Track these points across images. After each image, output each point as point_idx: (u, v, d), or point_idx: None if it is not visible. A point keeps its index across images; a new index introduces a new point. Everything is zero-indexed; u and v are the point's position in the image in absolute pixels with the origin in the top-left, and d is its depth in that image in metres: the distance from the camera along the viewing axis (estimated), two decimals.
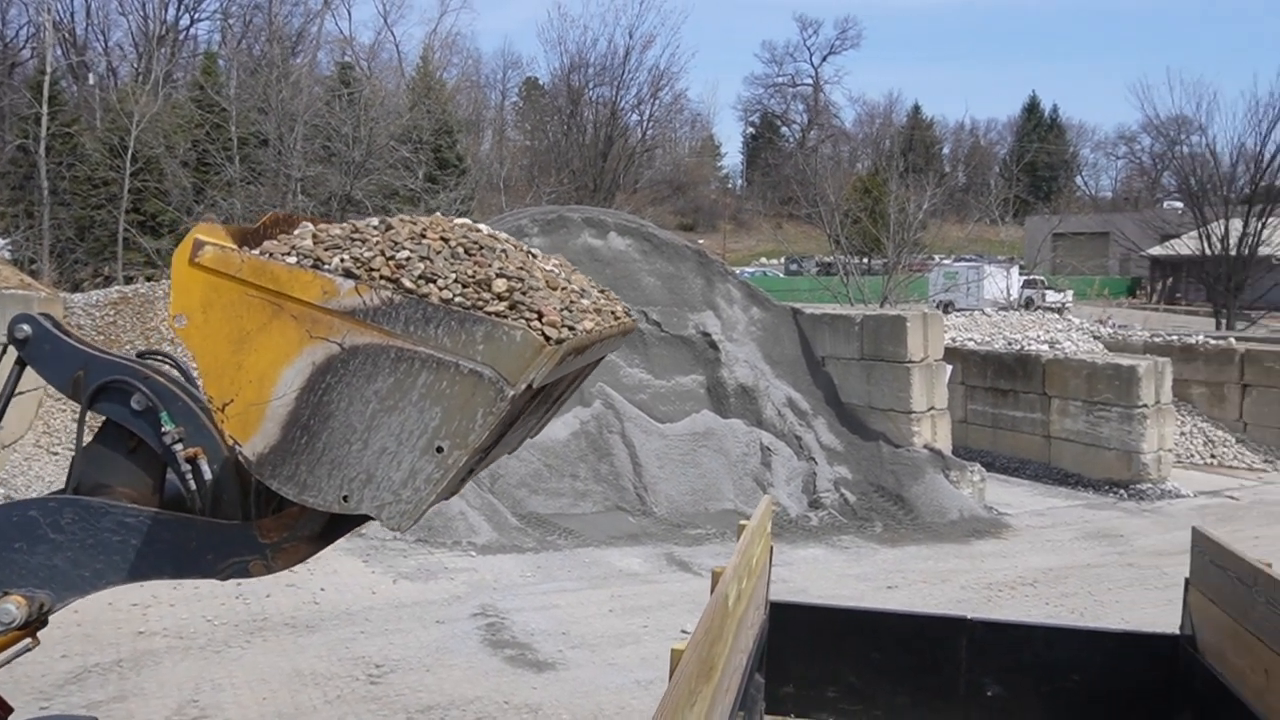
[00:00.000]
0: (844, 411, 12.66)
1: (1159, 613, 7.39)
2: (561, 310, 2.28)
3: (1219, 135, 70.80)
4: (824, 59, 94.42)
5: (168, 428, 2.49)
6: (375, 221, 2.43)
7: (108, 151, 30.76)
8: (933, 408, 12.39)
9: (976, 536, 10.59)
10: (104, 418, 2.58)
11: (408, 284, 2.21)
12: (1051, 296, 43.45)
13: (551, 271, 2.50)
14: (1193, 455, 14.93)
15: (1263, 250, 33.63)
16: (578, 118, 51.74)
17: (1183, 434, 15.05)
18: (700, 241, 30.36)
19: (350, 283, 2.18)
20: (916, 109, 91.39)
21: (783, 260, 66.36)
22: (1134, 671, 4.03)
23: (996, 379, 14.80)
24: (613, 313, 2.54)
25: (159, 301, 13.50)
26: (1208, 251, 34.05)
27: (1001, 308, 27.69)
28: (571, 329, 2.25)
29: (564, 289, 2.43)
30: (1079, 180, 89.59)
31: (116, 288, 16.04)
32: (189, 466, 2.49)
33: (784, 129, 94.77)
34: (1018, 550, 10.22)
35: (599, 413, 11.53)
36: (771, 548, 4.49)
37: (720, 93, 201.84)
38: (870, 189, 43.70)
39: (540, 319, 2.21)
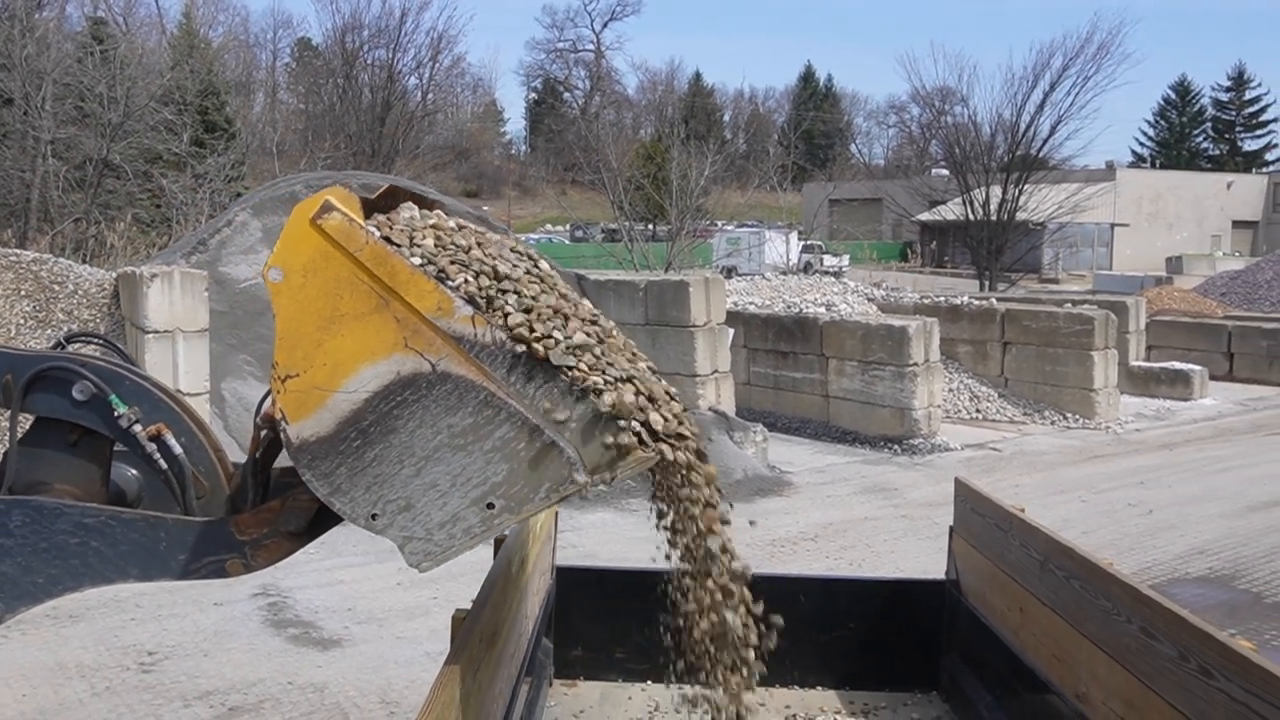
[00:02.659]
0: None
1: (930, 560, 7.76)
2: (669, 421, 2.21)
3: (979, 106, 74.47)
4: (605, 25, 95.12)
5: (121, 410, 2.27)
6: (498, 239, 2.30)
7: None
8: (716, 371, 12.65)
9: (760, 495, 10.89)
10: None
11: (528, 336, 2.09)
12: (829, 261, 45.13)
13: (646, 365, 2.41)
14: (960, 410, 15.75)
15: (1020, 215, 35.72)
16: (353, 81, 50.27)
17: (950, 390, 15.85)
18: (485, 208, 30.05)
19: (470, 310, 2.04)
20: (697, 76, 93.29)
21: (568, 227, 66.51)
22: (905, 617, 4.20)
23: (777, 341, 15.22)
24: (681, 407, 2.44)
25: None
26: (971, 217, 35.92)
27: (782, 272, 28.52)
28: (673, 447, 2.19)
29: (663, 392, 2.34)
30: (853, 148, 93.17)
31: None
32: (154, 446, 2.28)
33: (567, 95, 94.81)
34: (799, 507, 10.57)
35: None
36: (556, 513, 4.47)
37: (502, 57, 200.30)
38: (653, 155, 44.28)
39: (647, 430, 2.13)
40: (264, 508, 2.32)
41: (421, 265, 2.09)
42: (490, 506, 2.08)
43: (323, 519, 2.32)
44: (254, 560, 2.32)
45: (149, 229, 27.19)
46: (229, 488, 2.39)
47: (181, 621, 7.14)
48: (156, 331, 9.75)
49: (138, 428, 2.29)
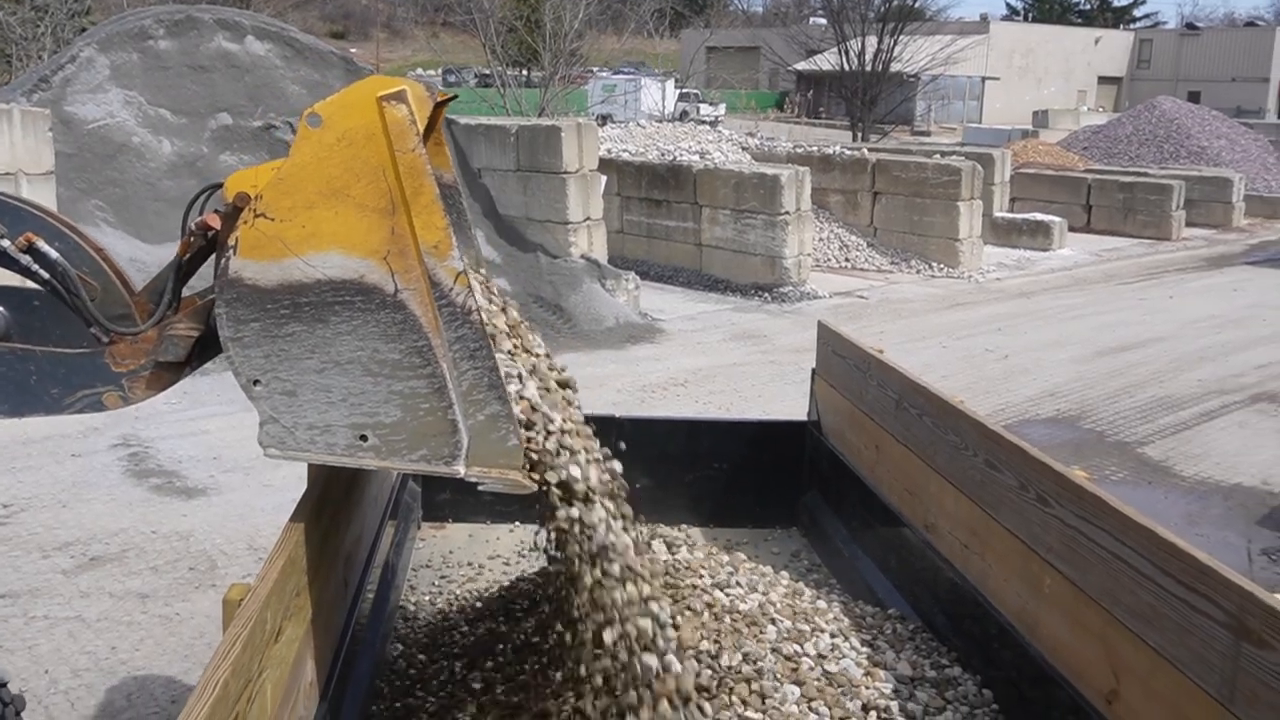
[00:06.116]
0: (502, 223, 12.60)
1: (795, 403, 7.92)
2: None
3: None
4: None
5: None
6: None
7: None
8: (588, 218, 12.56)
9: (632, 342, 10.97)
10: None
11: (500, 338, 2.21)
12: (705, 109, 44.68)
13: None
14: (829, 259, 15.99)
15: (894, 67, 35.80)
16: None
17: (821, 239, 16.05)
18: (352, 50, 28.88)
19: (460, 267, 1.99)
20: None
21: (440, 71, 64.55)
22: (768, 456, 4.31)
23: (651, 189, 15.14)
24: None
25: None
26: (846, 67, 35.87)
27: (657, 120, 28.19)
28: (555, 481, 2.28)
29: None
30: None
31: None
32: (29, 257, 2.14)
33: None
34: (670, 353, 10.69)
35: None
36: None
37: None
38: None
39: (534, 466, 2.23)
40: (141, 336, 2.21)
41: (446, 223, 2.04)
42: (363, 439, 2.07)
43: (203, 350, 2.23)
44: (132, 392, 2.22)
45: None
46: (130, 288, 2.26)
47: (37, 474, 6.95)
48: None
49: (5, 242, 2.15)
